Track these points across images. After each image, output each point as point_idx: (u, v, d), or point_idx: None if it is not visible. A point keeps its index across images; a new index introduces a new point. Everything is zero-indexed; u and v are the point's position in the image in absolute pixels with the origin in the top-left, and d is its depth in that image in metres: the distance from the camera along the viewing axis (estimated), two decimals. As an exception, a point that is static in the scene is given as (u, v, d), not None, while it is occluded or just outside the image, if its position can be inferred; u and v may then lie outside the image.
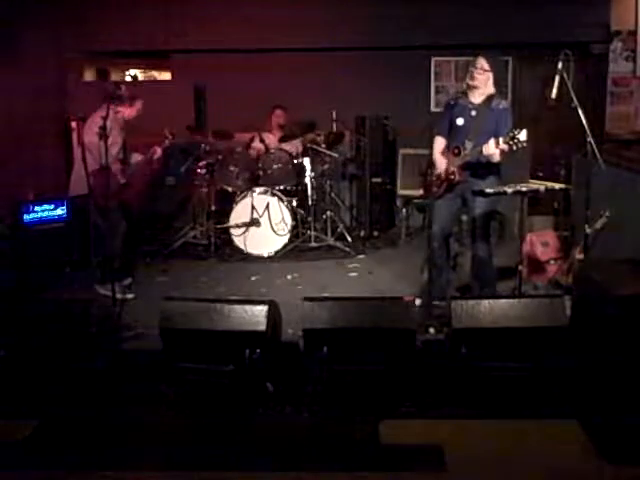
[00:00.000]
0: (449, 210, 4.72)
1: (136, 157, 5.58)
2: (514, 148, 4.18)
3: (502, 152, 4.30)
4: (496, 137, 4.33)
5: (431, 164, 4.61)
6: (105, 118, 4.55)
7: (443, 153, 4.66)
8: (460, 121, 4.56)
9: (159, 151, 5.58)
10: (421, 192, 5.09)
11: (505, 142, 4.20)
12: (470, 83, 4.54)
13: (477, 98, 4.56)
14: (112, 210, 5.04)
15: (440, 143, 4.68)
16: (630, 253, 4.75)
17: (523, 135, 4.12)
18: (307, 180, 6.63)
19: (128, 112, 5.36)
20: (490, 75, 4.50)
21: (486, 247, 4.69)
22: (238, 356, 3.67)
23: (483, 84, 4.51)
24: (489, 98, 4.53)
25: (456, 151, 4.54)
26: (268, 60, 7.48)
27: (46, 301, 4.27)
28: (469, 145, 4.47)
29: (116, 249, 5.24)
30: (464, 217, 5.81)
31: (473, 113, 4.54)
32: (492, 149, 4.28)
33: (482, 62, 4.47)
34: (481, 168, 4.51)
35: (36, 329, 3.89)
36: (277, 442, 3.36)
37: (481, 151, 4.34)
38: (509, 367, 3.67)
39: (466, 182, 4.56)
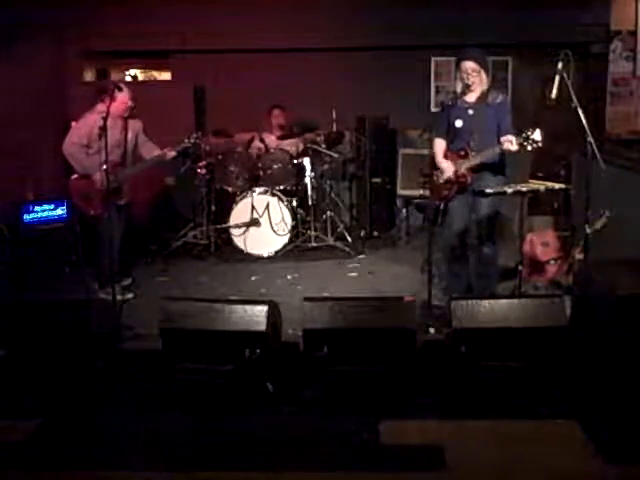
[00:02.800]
0: (462, 211, 4.71)
1: (153, 149, 5.34)
2: (529, 148, 4.19)
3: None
4: (499, 132, 4.37)
5: (433, 166, 4.60)
6: (105, 118, 4.41)
7: (445, 155, 4.66)
8: (459, 123, 4.55)
9: (170, 154, 5.37)
10: (421, 192, 5.09)
11: (519, 143, 4.20)
12: (465, 85, 4.51)
13: (472, 97, 4.55)
14: (103, 217, 4.84)
15: (440, 145, 4.68)
16: (630, 253, 4.75)
17: (537, 135, 4.14)
18: (307, 180, 6.63)
19: (114, 108, 4.83)
20: (482, 73, 4.49)
21: (492, 246, 4.71)
22: (238, 356, 3.67)
23: (478, 84, 4.50)
24: (484, 94, 4.53)
25: (462, 153, 4.52)
26: (268, 60, 7.49)
27: (46, 301, 4.26)
28: (474, 146, 4.46)
29: (111, 255, 4.92)
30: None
31: (470, 112, 4.53)
32: (513, 149, 4.27)
33: (471, 65, 4.45)
34: (489, 168, 4.51)
35: (36, 329, 3.89)
36: (277, 442, 3.35)
37: (503, 151, 4.34)
38: (509, 367, 3.67)
39: (475, 183, 4.56)
